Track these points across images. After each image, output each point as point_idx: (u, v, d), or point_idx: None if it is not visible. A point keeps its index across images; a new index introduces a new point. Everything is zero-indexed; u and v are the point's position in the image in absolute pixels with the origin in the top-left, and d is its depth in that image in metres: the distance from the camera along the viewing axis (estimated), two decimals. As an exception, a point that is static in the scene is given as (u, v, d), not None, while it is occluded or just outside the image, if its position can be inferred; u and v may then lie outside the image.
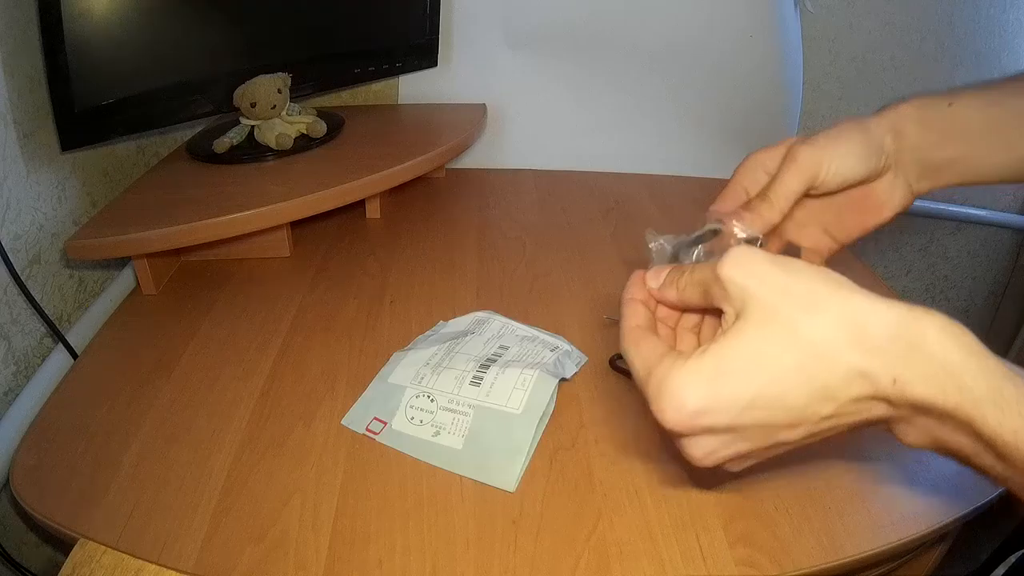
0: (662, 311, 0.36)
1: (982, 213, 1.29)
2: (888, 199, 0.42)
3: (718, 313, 0.31)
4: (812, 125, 1.14)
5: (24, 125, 0.64)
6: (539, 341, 0.60)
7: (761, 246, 0.40)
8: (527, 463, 0.50)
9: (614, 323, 0.66)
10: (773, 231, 0.40)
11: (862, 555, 0.44)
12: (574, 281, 0.74)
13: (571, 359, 0.58)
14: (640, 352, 0.32)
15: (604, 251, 0.80)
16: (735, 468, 0.32)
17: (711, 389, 0.28)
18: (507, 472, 0.48)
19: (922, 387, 0.26)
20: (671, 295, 0.33)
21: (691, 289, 0.32)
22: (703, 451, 0.30)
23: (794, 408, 0.28)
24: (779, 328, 0.28)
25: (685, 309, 0.35)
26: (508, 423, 0.51)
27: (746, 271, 0.29)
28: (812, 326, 0.27)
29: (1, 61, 0.61)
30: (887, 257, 1.33)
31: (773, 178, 0.40)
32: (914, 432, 0.28)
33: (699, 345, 0.33)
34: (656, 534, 0.44)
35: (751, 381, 0.28)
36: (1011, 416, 0.25)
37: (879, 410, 0.28)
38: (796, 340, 0.27)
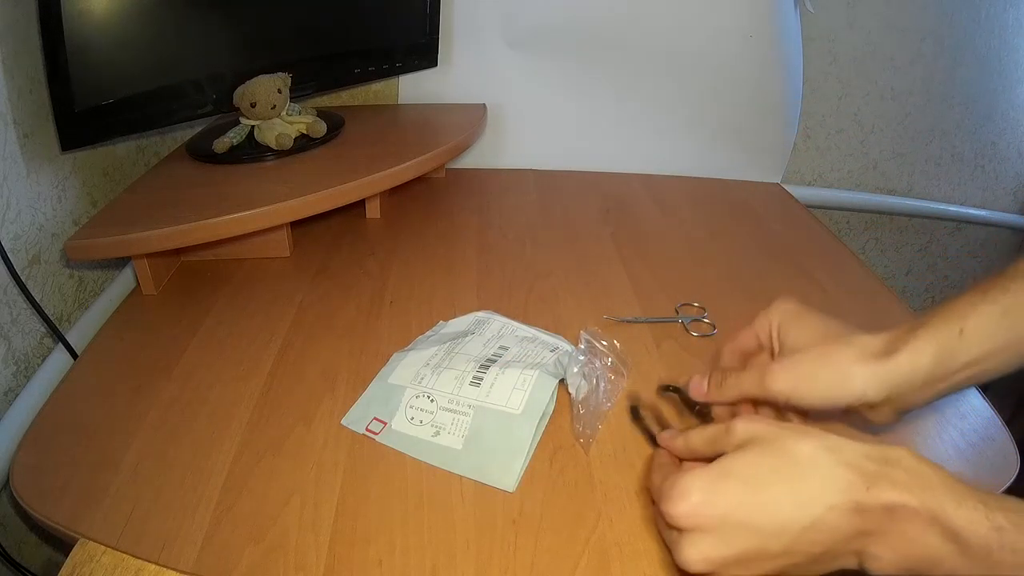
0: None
1: (982, 213, 1.29)
2: (872, 417, 0.43)
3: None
4: (812, 125, 1.15)
5: (24, 125, 0.64)
6: (539, 342, 0.60)
7: (700, 410, 0.51)
8: (527, 463, 0.50)
9: (614, 323, 0.66)
10: None
11: (862, 555, 0.44)
12: (574, 281, 0.74)
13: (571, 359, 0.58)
14: (661, 470, 0.41)
15: (604, 251, 0.80)
16: None
17: (713, 485, 0.35)
18: (507, 472, 0.49)
19: (893, 491, 0.32)
20: (679, 445, 0.42)
21: (697, 438, 0.41)
22: (697, 552, 0.35)
23: (778, 515, 0.33)
24: (773, 449, 0.35)
25: (690, 458, 0.43)
26: (508, 423, 0.51)
27: (755, 422, 0.37)
28: (799, 447, 0.35)
29: (1, 61, 0.61)
30: (887, 257, 1.33)
31: (744, 371, 0.45)
32: (886, 548, 0.33)
33: None
34: (656, 534, 0.44)
35: (746, 486, 0.34)
36: (966, 508, 0.31)
37: (854, 523, 0.33)
38: (785, 456, 0.35)
